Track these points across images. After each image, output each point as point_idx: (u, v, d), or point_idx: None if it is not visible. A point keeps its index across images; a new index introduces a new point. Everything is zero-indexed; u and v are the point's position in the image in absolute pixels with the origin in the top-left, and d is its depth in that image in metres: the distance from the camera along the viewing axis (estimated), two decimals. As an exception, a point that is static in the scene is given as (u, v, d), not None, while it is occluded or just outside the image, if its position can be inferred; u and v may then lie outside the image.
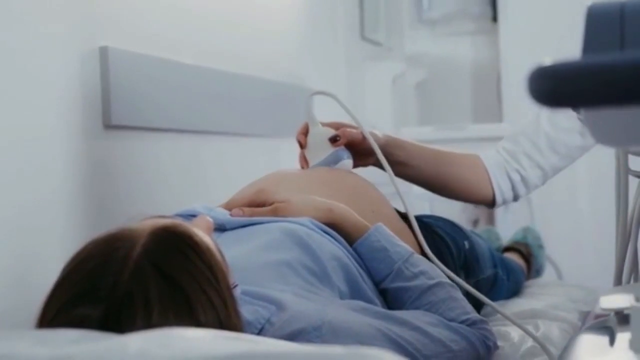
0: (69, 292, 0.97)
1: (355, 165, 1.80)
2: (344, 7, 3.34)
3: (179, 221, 1.07)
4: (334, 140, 1.74)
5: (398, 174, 1.78)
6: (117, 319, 0.93)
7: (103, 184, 1.74)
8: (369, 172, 1.83)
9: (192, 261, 1.01)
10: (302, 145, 1.77)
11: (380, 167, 1.75)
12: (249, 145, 2.43)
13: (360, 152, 1.76)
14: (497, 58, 3.69)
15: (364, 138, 1.73)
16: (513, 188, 1.86)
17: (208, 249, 1.04)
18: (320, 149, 1.75)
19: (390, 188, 1.88)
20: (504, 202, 1.89)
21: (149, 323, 0.93)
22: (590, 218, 3.37)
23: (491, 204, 1.88)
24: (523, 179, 1.85)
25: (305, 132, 1.77)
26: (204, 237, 1.06)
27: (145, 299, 0.95)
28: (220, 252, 1.08)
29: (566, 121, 1.80)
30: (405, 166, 1.79)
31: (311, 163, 1.76)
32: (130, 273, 0.96)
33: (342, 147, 1.75)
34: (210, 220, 1.16)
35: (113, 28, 1.78)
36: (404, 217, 1.81)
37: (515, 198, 1.89)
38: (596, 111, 0.84)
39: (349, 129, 1.75)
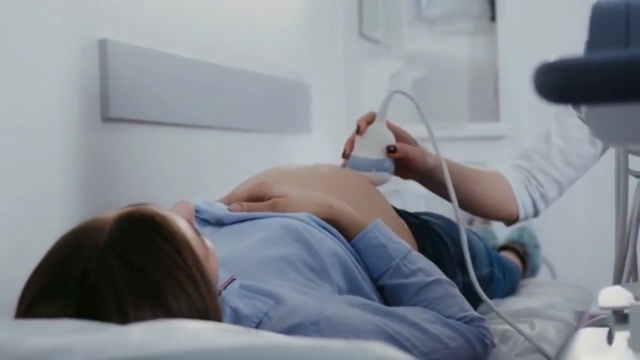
0: (38, 286, 0.98)
1: (396, 174, 1.78)
2: (343, 5, 3.34)
3: (146, 206, 1.06)
4: (391, 150, 1.71)
5: (440, 194, 1.79)
6: (88, 310, 0.94)
7: (100, 176, 1.74)
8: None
9: (157, 245, 1.00)
10: (359, 132, 1.73)
11: (421, 182, 1.78)
12: (247, 140, 2.43)
13: (408, 167, 1.74)
14: (495, 57, 3.69)
15: (418, 159, 1.71)
16: (534, 205, 1.88)
17: (175, 231, 1.03)
18: (372, 147, 1.72)
19: (388, 186, 1.87)
20: (525, 219, 1.90)
21: (123, 314, 0.94)
22: (585, 218, 3.38)
23: (513, 220, 1.89)
24: (542, 196, 1.87)
25: (370, 121, 1.74)
26: (173, 219, 1.05)
27: (112, 288, 0.95)
28: (197, 235, 1.07)
29: (576, 132, 1.82)
30: (446, 188, 1.75)
31: (355, 152, 1.73)
32: (97, 263, 0.96)
33: (391, 159, 1.72)
34: (191, 205, 1.15)
35: (112, 21, 1.78)
36: (401, 214, 1.81)
37: (536, 214, 1.90)
38: (599, 108, 0.84)
39: (408, 147, 1.72)
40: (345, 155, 1.75)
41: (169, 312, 0.96)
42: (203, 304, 1.00)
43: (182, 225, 1.06)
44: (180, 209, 1.13)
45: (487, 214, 1.90)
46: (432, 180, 1.76)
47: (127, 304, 0.94)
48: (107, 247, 0.98)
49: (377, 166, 1.72)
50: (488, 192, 1.83)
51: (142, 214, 1.03)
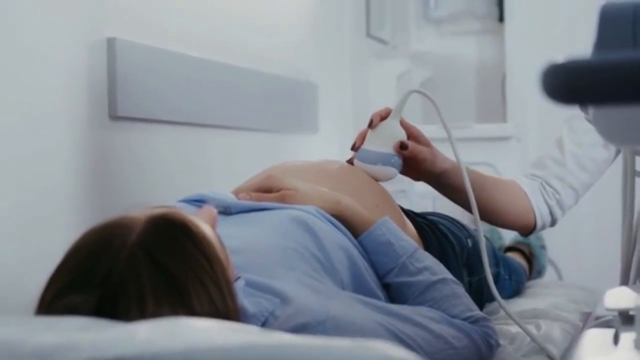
0: (65, 278, 0.98)
1: (403, 173, 1.76)
2: (351, 4, 3.33)
3: (176, 210, 1.07)
4: (402, 146, 1.68)
5: (451, 198, 1.78)
6: (111, 307, 0.94)
7: (107, 174, 1.74)
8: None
9: (186, 249, 1.01)
10: (372, 125, 1.71)
11: (432, 185, 1.76)
12: (254, 139, 2.43)
13: (418, 168, 1.72)
14: (502, 58, 3.69)
15: (428, 161, 1.69)
16: (551, 213, 1.84)
17: (204, 238, 1.04)
18: (383, 142, 1.70)
19: (395, 186, 1.87)
20: (542, 228, 1.86)
21: (143, 312, 0.94)
22: (591, 220, 3.37)
23: (531, 230, 1.85)
24: (558, 202, 1.83)
25: (384, 116, 1.72)
26: (201, 225, 1.06)
27: (138, 288, 0.95)
28: (220, 242, 1.08)
29: (589, 137, 1.79)
30: (459, 193, 1.73)
31: (365, 145, 1.72)
32: (124, 262, 0.97)
33: (400, 156, 1.70)
34: (215, 211, 1.16)
35: (121, 19, 1.78)
36: (407, 213, 1.81)
37: (553, 223, 1.86)
38: (606, 109, 0.84)
39: (420, 147, 1.69)
40: (355, 148, 1.74)
41: (192, 314, 0.96)
42: (226, 310, 1.01)
43: (209, 231, 1.06)
44: (205, 214, 1.13)
45: (504, 224, 1.86)
46: (443, 184, 1.74)
47: (148, 302, 0.95)
48: (136, 247, 0.98)
49: (384, 160, 1.70)
50: (505, 201, 1.80)
51: (174, 218, 1.04)
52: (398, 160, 1.71)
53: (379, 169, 1.71)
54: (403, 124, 1.72)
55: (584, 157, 1.81)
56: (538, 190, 1.83)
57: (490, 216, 1.81)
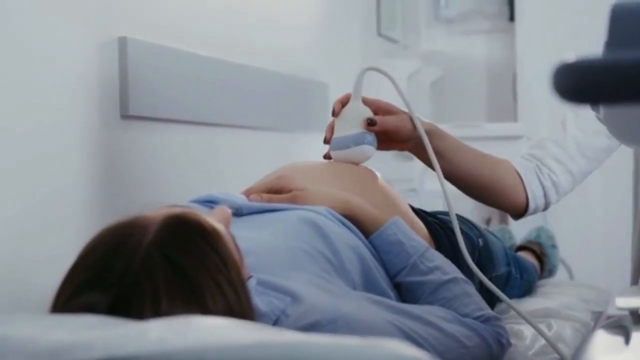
0: (80, 277, 0.98)
1: (388, 148, 1.74)
2: (362, 4, 3.34)
3: (191, 210, 1.07)
4: (369, 123, 1.66)
5: (431, 166, 1.69)
6: (125, 306, 0.94)
7: (119, 173, 1.74)
8: (384, 170, 1.82)
9: (202, 249, 1.01)
10: (335, 113, 1.71)
11: (417, 153, 1.71)
12: (264, 138, 2.44)
13: (398, 139, 1.69)
14: (513, 57, 3.69)
15: (404, 128, 1.66)
16: (545, 195, 1.77)
17: (219, 238, 1.04)
18: (351, 125, 1.68)
19: (404, 185, 1.87)
20: (535, 211, 1.79)
21: (157, 312, 0.94)
22: (602, 219, 3.37)
23: (522, 211, 1.79)
24: (554, 184, 1.77)
25: (345, 102, 1.71)
26: (216, 225, 1.06)
27: (153, 288, 0.95)
28: (234, 242, 1.08)
29: (594, 124, 1.75)
30: (442, 159, 1.68)
31: (336, 134, 1.71)
32: (140, 261, 0.97)
33: (372, 133, 1.67)
34: (229, 211, 1.16)
35: (132, 19, 1.79)
36: (418, 213, 1.81)
37: (547, 206, 1.80)
38: (617, 109, 0.84)
39: (389, 118, 1.67)
40: (326, 141, 1.73)
41: (207, 313, 0.96)
42: (240, 310, 1.01)
43: (224, 232, 1.07)
44: (219, 214, 1.14)
45: (493, 201, 1.80)
46: (424, 148, 1.66)
47: (163, 302, 0.95)
48: (152, 246, 0.98)
49: (356, 141, 1.67)
50: (498, 178, 1.75)
51: (189, 219, 1.04)
52: (371, 138, 1.68)
53: (353, 151, 1.69)
54: (366, 102, 1.70)
55: (586, 144, 1.76)
56: (532, 171, 1.78)
57: (477, 190, 1.77)
